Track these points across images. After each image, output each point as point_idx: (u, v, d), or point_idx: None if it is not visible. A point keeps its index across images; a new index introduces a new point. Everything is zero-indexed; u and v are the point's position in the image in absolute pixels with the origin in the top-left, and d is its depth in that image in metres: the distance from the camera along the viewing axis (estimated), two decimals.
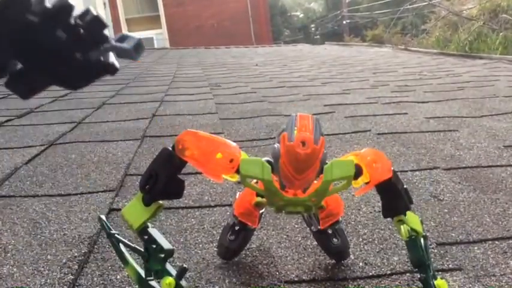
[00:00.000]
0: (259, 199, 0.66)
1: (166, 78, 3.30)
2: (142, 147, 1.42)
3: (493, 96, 2.21)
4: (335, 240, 0.70)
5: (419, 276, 0.62)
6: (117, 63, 0.41)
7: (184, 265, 0.55)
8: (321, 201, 0.63)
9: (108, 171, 1.18)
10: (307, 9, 22.03)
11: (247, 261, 0.74)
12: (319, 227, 0.70)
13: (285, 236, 0.82)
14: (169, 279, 0.54)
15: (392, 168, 0.60)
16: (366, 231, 0.84)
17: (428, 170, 1.17)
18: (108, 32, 0.40)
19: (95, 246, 0.80)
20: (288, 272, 0.71)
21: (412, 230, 0.62)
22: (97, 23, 0.38)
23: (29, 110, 2.02)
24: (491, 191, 1.03)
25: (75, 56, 0.37)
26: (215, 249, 0.77)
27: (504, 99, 2.13)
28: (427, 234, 0.81)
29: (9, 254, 0.76)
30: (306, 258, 0.75)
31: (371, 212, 0.92)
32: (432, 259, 0.70)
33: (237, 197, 0.72)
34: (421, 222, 0.64)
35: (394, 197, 0.62)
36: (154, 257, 0.57)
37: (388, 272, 0.71)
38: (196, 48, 8.02)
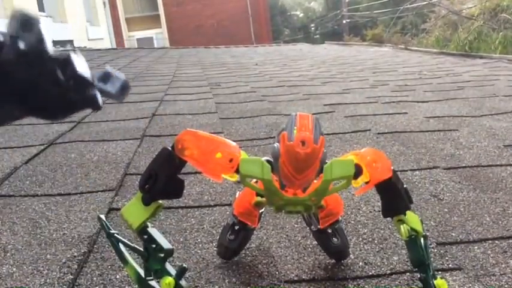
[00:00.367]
0: (259, 199, 0.66)
1: (166, 77, 3.30)
2: (142, 146, 1.42)
3: (493, 96, 2.21)
4: (335, 239, 0.70)
5: (419, 275, 0.61)
6: (100, 101, 0.39)
7: (184, 265, 0.55)
8: (320, 201, 0.63)
9: (108, 170, 1.17)
10: (307, 9, 22.02)
11: (247, 261, 0.74)
12: (319, 227, 0.70)
13: (284, 236, 0.82)
14: (169, 279, 0.54)
15: (392, 168, 0.60)
16: (365, 230, 0.84)
17: (428, 170, 1.17)
18: (90, 73, 0.38)
19: (95, 246, 0.80)
20: (288, 272, 0.71)
21: (412, 229, 0.62)
22: (80, 78, 0.36)
23: None
24: (491, 191, 1.03)
25: (54, 94, 0.35)
26: (215, 248, 0.77)
27: (504, 99, 2.13)
28: (427, 233, 0.81)
29: (8, 254, 0.76)
30: (305, 258, 0.75)
31: (371, 212, 0.92)
32: (432, 259, 0.70)
33: (236, 196, 0.72)
34: (421, 222, 0.64)
35: (394, 197, 0.61)
36: (153, 257, 0.57)
37: (388, 272, 0.71)
38: (196, 47, 8.01)
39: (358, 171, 0.58)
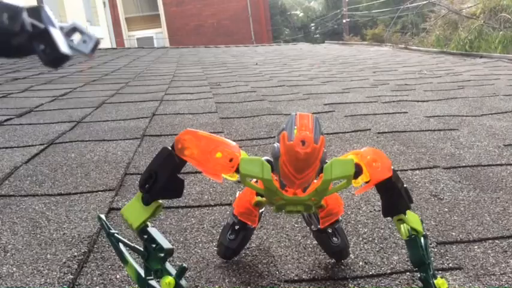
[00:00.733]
0: (259, 198, 0.66)
1: (166, 77, 3.30)
2: (142, 146, 1.42)
3: (493, 95, 2.21)
4: (335, 239, 0.70)
5: (419, 275, 0.62)
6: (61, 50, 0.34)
7: (184, 264, 0.55)
8: (320, 201, 0.63)
9: (108, 170, 1.17)
10: (307, 8, 22.01)
11: (247, 261, 0.74)
12: (319, 226, 0.70)
13: (284, 235, 0.82)
14: (169, 279, 0.54)
15: (392, 168, 0.60)
16: (365, 230, 0.84)
17: (428, 169, 1.17)
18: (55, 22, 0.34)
19: (95, 246, 0.80)
20: (288, 271, 0.71)
21: (412, 229, 0.62)
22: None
23: (29, 109, 2.02)
24: (491, 190, 1.03)
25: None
26: (215, 248, 0.77)
27: (504, 98, 2.13)
28: (427, 233, 0.81)
29: (8, 254, 0.76)
30: (305, 258, 0.75)
31: (371, 211, 0.92)
32: (432, 258, 0.70)
33: (236, 196, 0.72)
34: (421, 222, 0.64)
35: (394, 196, 0.61)
36: (154, 257, 0.57)
37: (388, 271, 0.71)
38: (196, 47, 8.01)
39: (358, 171, 0.58)
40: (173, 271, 0.56)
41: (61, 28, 0.35)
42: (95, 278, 0.69)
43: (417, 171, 1.15)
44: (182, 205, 0.96)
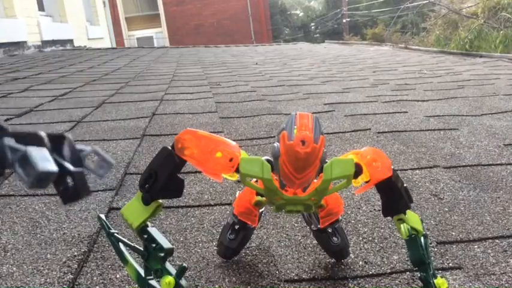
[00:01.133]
0: (259, 198, 0.66)
1: (166, 77, 3.30)
2: (142, 146, 1.42)
3: (493, 95, 2.21)
4: (335, 239, 0.70)
5: (419, 275, 0.61)
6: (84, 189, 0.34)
7: (184, 264, 0.55)
8: (320, 200, 0.63)
9: None
10: (307, 8, 22.01)
11: (247, 260, 0.74)
12: (319, 226, 0.70)
13: (284, 235, 0.82)
14: (169, 278, 0.54)
15: (392, 167, 0.60)
16: (365, 230, 0.84)
17: (428, 169, 1.17)
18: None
19: (95, 246, 0.79)
20: (288, 271, 0.71)
21: (412, 228, 0.62)
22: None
23: (29, 109, 2.01)
24: (491, 190, 1.03)
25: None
26: (215, 248, 0.77)
27: (504, 98, 2.13)
28: (427, 232, 0.81)
29: (8, 253, 0.76)
30: (306, 257, 0.75)
31: (371, 211, 0.92)
32: (432, 258, 0.70)
33: (236, 196, 0.72)
34: (421, 221, 0.64)
35: (394, 196, 0.61)
36: (153, 256, 0.57)
37: (388, 271, 0.71)
38: (196, 46, 8.01)
39: (358, 171, 0.58)
40: (173, 271, 0.56)
41: (80, 151, 0.34)
42: (95, 278, 0.69)
43: (417, 171, 1.15)
44: (182, 205, 0.96)
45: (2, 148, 0.30)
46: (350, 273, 0.70)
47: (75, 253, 0.75)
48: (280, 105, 2.06)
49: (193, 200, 0.99)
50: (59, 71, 3.67)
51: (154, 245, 0.57)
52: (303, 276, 0.70)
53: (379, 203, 0.64)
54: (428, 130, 1.55)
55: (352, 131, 1.55)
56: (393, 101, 2.12)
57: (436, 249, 0.77)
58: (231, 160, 0.57)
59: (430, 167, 1.18)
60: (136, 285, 0.59)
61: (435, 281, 0.60)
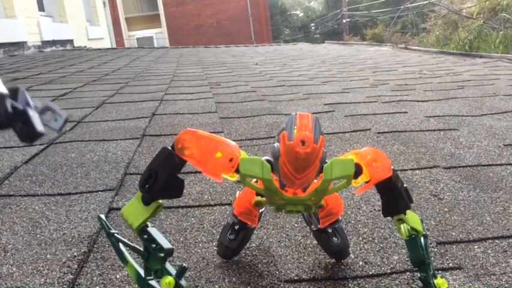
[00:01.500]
0: (259, 198, 0.66)
1: (166, 77, 3.30)
2: (142, 146, 1.42)
3: (493, 95, 2.21)
4: (335, 239, 0.70)
5: (419, 275, 0.62)
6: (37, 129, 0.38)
7: (184, 264, 0.55)
8: (320, 200, 0.63)
9: (108, 170, 1.17)
10: (307, 8, 22.02)
11: (247, 260, 0.74)
12: (319, 226, 0.70)
13: (284, 235, 0.82)
14: (169, 279, 0.54)
15: (392, 167, 0.60)
16: (365, 230, 0.84)
17: (428, 169, 1.17)
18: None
19: (95, 246, 0.79)
20: (288, 271, 0.71)
21: (412, 229, 0.62)
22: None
23: None
24: (491, 190, 1.03)
25: None
26: (215, 248, 0.77)
27: (504, 98, 2.13)
28: (427, 233, 0.81)
29: (8, 254, 0.76)
30: (305, 257, 0.75)
31: (371, 211, 0.92)
32: (432, 258, 0.70)
33: (236, 196, 0.72)
34: (421, 221, 0.64)
35: (394, 196, 0.61)
36: (153, 256, 0.57)
37: (388, 271, 0.71)
38: (196, 47, 8.02)
39: (358, 171, 0.58)
40: (173, 271, 0.56)
41: (35, 107, 0.38)
42: (95, 278, 0.69)
43: (417, 171, 1.15)
44: (182, 205, 0.96)
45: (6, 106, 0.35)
46: (350, 273, 0.70)
47: (75, 253, 0.75)
48: (280, 105, 2.06)
49: (193, 200, 0.99)
50: (59, 71, 3.67)
51: (154, 245, 0.57)
52: (303, 277, 0.70)
53: (379, 203, 0.64)
54: (428, 130, 1.55)
55: (352, 131, 1.55)
56: (393, 101, 2.12)
57: (436, 250, 0.77)
58: (231, 160, 0.57)
59: (430, 167, 1.18)
60: (136, 286, 0.59)
61: (435, 281, 0.60)
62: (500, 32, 7.99)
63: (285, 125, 0.55)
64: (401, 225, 0.62)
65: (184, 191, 0.96)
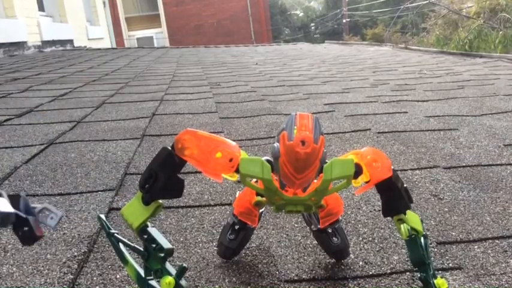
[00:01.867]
0: (259, 198, 0.66)
1: (166, 77, 3.30)
2: (142, 146, 1.42)
3: (493, 95, 2.21)
4: (335, 239, 0.70)
5: (419, 275, 0.61)
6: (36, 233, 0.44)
7: (184, 264, 0.55)
8: (320, 200, 0.63)
9: (108, 170, 1.17)
10: (307, 8, 22.02)
11: (247, 261, 0.74)
12: (319, 226, 0.70)
13: (284, 235, 0.82)
14: (169, 279, 0.54)
15: (392, 167, 0.60)
16: (365, 230, 0.84)
17: (428, 169, 1.17)
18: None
19: (95, 246, 0.79)
20: (288, 271, 0.71)
21: (412, 229, 0.62)
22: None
23: (29, 109, 2.02)
24: (491, 190, 1.03)
25: None
26: (215, 248, 0.77)
27: (504, 98, 2.13)
28: (427, 233, 0.81)
29: (8, 254, 0.76)
30: (305, 257, 0.75)
31: (371, 211, 0.92)
32: (432, 258, 0.70)
33: (236, 196, 0.72)
34: (421, 221, 0.64)
35: (394, 196, 0.61)
36: (154, 256, 0.57)
37: (388, 271, 0.71)
38: (196, 47, 8.02)
39: (358, 171, 0.58)
40: (173, 271, 0.56)
41: (33, 207, 0.44)
42: (95, 278, 0.69)
43: (417, 171, 1.15)
44: (182, 205, 0.96)
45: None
46: (350, 273, 0.70)
47: (75, 253, 0.75)
48: (280, 105, 2.06)
49: (193, 200, 0.99)
50: (59, 71, 3.67)
51: (154, 245, 0.57)
52: (303, 277, 0.70)
53: (379, 203, 0.64)
54: (428, 130, 1.55)
55: (352, 131, 1.55)
56: (393, 101, 2.12)
57: (436, 250, 0.77)
58: (231, 160, 0.57)
59: (430, 167, 1.18)
60: (136, 286, 0.59)
61: (435, 281, 0.60)
62: (500, 32, 7.99)
63: (285, 125, 0.55)
64: (401, 225, 0.62)
65: (184, 191, 0.96)
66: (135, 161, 1.26)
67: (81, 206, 0.95)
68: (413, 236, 0.62)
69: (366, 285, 0.68)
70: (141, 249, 0.58)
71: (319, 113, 1.87)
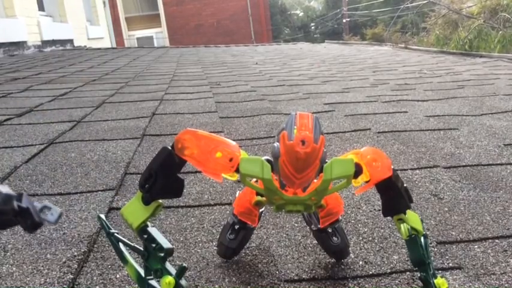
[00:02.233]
0: (259, 198, 0.65)
1: (166, 76, 3.30)
2: (142, 146, 1.42)
3: (493, 95, 2.21)
4: (335, 239, 0.70)
5: (419, 274, 0.61)
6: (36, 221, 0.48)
7: (184, 264, 0.55)
8: (320, 200, 0.63)
9: (108, 170, 1.17)
10: (307, 8, 22.01)
11: (247, 260, 0.74)
12: (319, 226, 0.70)
13: (284, 235, 0.82)
14: (169, 278, 0.54)
15: (392, 167, 0.60)
16: (365, 230, 0.84)
17: (428, 169, 1.17)
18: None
19: (95, 245, 0.79)
20: (288, 271, 0.71)
21: (412, 228, 0.62)
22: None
23: (29, 109, 2.02)
24: (491, 190, 1.03)
25: None
26: (215, 248, 0.77)
27: (504, 98, 2.13)
28: (427, 232, 0.81)
29: (8, 253, 0.76)
30: (305, 257, 0.75)
31: (371, 211, 0.92)
32: (432, 258, 0.70)
33: (236, 196, 0.72)
34: (421, 221, 0.64)
35: (394, 196, 0.61)
36: (153, 256, 0.57)
37: (388, 271, 0.71)
38: (196, 46, 8.02)
39: (358, 171, 0.58)
40: (173, 271, 0.56)
41: (35, 205, 0.49)
42: (94, 278, 0.69)
43: (417, 171, 1.15)
44: (182, 205, 0.96)
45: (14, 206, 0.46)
46: (350, 273, 0.70)
47: (75, 253, 0.75)
48: (280, 105, 2.06)
49: (193, 200, 0.99)
50: (58, 71, 3.67)
51: (154, 245, 0.57)
52: (303, 276, 0.70)
53: (379, 203, 0.64)
54: (428, 130, 1.55)
55: (352, 131, 1.55)
56: (393, 101, 2.12)
57: (436, 249, 0.77)
58: (231, 160, 0.57)
59: (430, 167, 1.18)
60: (136, 285, 0.59)
61: (435, 281, 0.60)
62: (499, 32, 7.99)
63: (285, 125, 0.55)
64: (402, 225, 0.62)
65: (184, 191, 0.96)
66: (135, 161, 1.26)
67: (81, 205, 0.95)
68: (413, 236, 0.62)
69: (366, 285, 0.68)
70: (141, 249, 0.58)
71: (319, 112, 1.87)
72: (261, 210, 0.71)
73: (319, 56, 5.34)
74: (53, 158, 1.29)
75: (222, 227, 0.75)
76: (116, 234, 0.61)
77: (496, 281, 0.68)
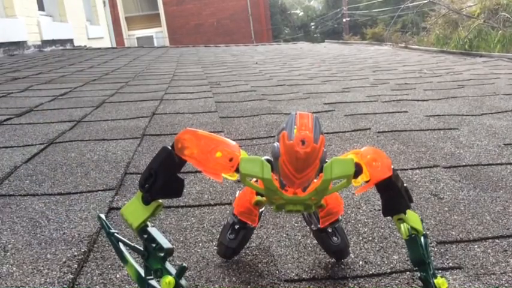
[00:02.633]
0: (259, 198, 0.65)
1: (166, 76, 3.30)
2: (142, 145, 1.42)
3: (493, 94, 2.21)
4: (335, 238, 0.70)
5: (419, 274, 0.61)
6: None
7: (184, 264, 0.55)
8: (320, 200, 0.62)
9: (108, 170, 1.17)
10: (307, 8, 22.00)
11: (247, 260, 0.74)
12: (319, 226, 0.70)
13: (284, 235, 0.82)
14: (169, 278, 0.54)
15: (392, 167, 0.60)
16: (365, 229, 0.84)
17: (428, 168, 1.17)
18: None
19: (95, 245, 0.79)
20: (288, 271, 0.71)
21: (412, 228, 0.62)
22: None
23: (29, 109, 2.02)
24: (491, 189, 1.03)
25: None
26: (215, 248, 0.77)
27: (504, 97, 2.13)
28: (427, 232, 0.81)
29: (8, 253, 0.76)
30: (305, 257, 0.75)
31: (371, 211, 0.92)
32: (432, 257, 0.70)
33: (236, 195, 0.72)
34: (421, 221, 0.64)
35: (394, 196, 0.61)
36: (153, 256, 0.57)
37: (388, 271, 0.71)
38: (196, 46, 8.01)
39: (358, 170, 0.58)
40: (173, 271, 0.56)
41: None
42: (94, 278, 0.69)
43: (417, 171, 1.15)
44: (182, 204, 0.96)
45: None
46: (350, 273, 0.70)
47: (75, 253, 0.75)
48: (280, 104, 2.06)
49: (193, 199, 0.99)
50: (58, 71, 3.67)
51: (154, 245, 0.57)
52: (303, 276, 0.70)
53: (379, 202, 0.64)
54: (428, 130, 1.55)
55: (352, 131, 1.55)
56: (393, 100, 2.12)
57: (436, 249, 0.77)
58: (231, 160, 0.57)
59: (430, 167, 1.18)
60: (136, 285, 0.59)
61: (435, 280, 0.60)
62: (499, 32, 7.99)
63: (284, 125, 0.55)
64: (402, 225, 0.62)
65: (184, 190, 0.96)
66: (135, 161, 1.26)
67: (81, 205, 0.95)
68: (413, 236, 0.62)
69: (366, 285, 0.68)
70: (141, 248, 0.58)
71: (319, 112, 1.87)
72: (261, 210, 0.71)
73: (319, 55, 5.34)
74: (53, 158, 1.29)
75: (222, 227, 0.75)
76: (116, 234, 0.61)
77: (496, 281, 0.68)
